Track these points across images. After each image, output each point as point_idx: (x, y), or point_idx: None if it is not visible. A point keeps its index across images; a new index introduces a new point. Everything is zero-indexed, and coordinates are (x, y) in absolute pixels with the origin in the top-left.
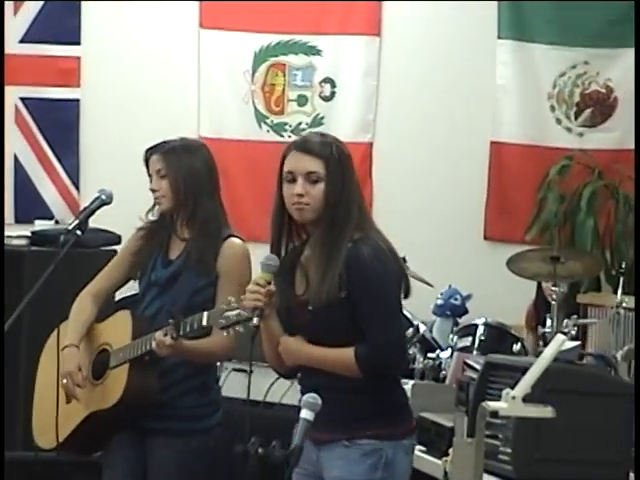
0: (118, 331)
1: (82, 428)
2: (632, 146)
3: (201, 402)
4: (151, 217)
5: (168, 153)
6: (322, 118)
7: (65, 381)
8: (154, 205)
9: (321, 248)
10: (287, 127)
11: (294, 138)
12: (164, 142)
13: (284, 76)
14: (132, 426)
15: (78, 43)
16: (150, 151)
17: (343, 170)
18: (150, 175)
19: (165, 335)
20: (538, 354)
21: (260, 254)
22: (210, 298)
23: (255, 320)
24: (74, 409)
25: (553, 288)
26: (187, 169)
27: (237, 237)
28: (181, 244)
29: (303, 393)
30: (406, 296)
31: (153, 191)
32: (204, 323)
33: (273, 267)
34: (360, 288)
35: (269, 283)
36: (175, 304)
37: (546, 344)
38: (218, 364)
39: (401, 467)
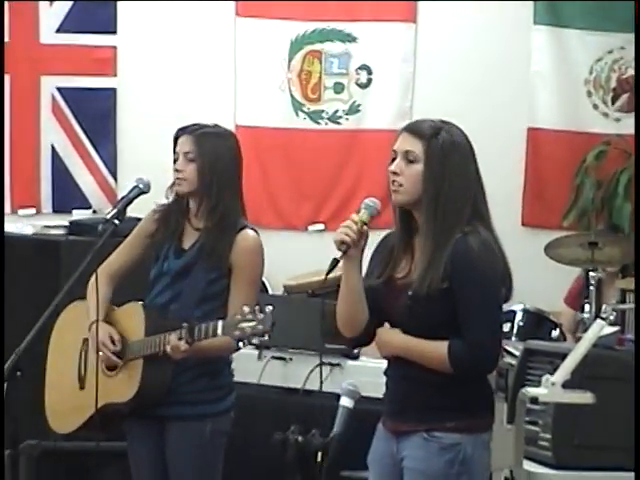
0: (131, 324)
1: (96, 417)
2: None
3: (211, 386)
4: (169, 198)
5: (201, 137)
6: (359, 105)
7: (101, 353)
8: (173, 184)
9: (425, 236)
10: (324, 115)
11: (330, 126)
12: (197, 125)
13: (320, 63)
14: (147, 415)
15: (114, 32)
16: (182, 131)
17: (446, 155)
18: (176, 154)
19: (180, 339)
20: (577, 339)
21: (296, 242)
22: (224, 289)
23: (339, 255)
24: (89, 397)
25: (592, 274)
26: (216, 157)
27: (251, 229)
28: (194, 233)
29: (388, 383)
30: (507, 299)
31: (177, 171)
32: (219, 332)
33: (373, 209)
34: (463, 282)
35: (364, 224)
36: (190, 295)
37: (585, 330)
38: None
39: (480, 463)
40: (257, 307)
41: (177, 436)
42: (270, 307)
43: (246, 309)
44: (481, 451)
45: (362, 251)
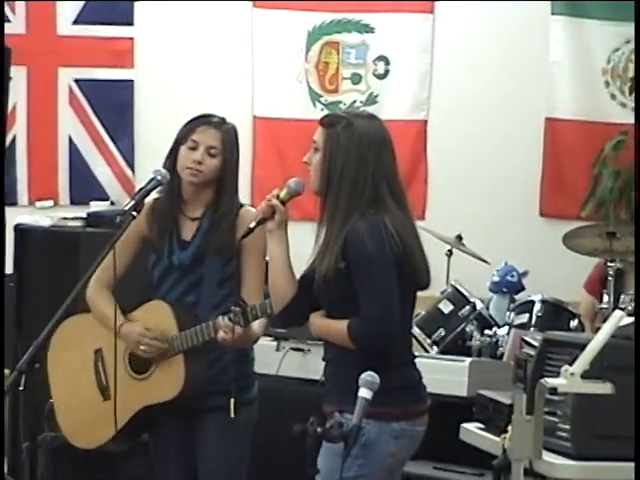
0: (159, 321)
1: (132, 422)
2: None
3: (241, 374)
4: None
5: (226, 133)
6: (376, 96)
7: (143, 347)
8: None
9: (320, 222)
10: (341, 105)
11: None
12: (216, 117)
13: (338, 54)
14: (182, 409)
15: (131, 24)
16: (205, 123)
17: (345, 142)
18: (193, 142)
19: (232, 323)
20: (596, 330)
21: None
22: (235, 268)
23: (252, 224)
24: (119, 405)
25: (611, 264)
26: (234, 153)
27: (248, 206)
28: (192, 224)
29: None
30: (426, 286)
31: (196, 162)
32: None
33: (292, 189)
34: (351, 262)
35: (282, 202)
36: (209, 282)
37: (604, 320)
38: None
39: (382, 449)
40: None
41: (210, 427)
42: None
43: None
44: (387, 439)
45: (283, 227)
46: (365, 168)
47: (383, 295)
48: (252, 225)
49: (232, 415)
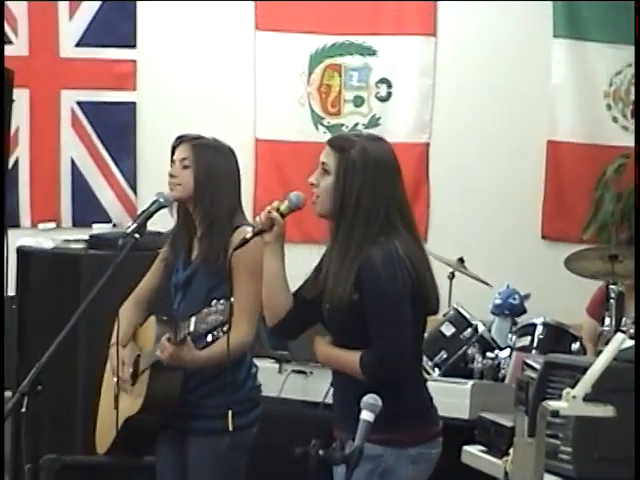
0: (147, 336)
1: (122, 433)
2: None
3: (232, 400)
4: (172, 215)
5: (198, 146)
6: (379, 119)
7: (115, 379)
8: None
9: (331, 247)
10: (344, 128)
11: None
12: (196, 135)
13: (340, 77)
14: (169, 427)
15: (134, 46)
16: (180, 139)
17: (356, 168)
18: (173, 161)
19: (168, 340)
20: (598, 353)
21: (318, 256)
22: (227, 293)
23: (248, 234)
24: (120, 414)
25: (613, 287)
26: (211, 166)
27: (248, 225)
28: (198, 243)
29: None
30: (436, 311)
31: (171, 177)
32: (191, 329)
33: (293, 202)
34: (366, 293)
35: (282, 214)
36: (192, 304)
37: (606, 343)
38: (254, 361)
39: (401, 476)
40: (221, 299)
41: (195, 450)
42: (233, 299)
43: (213, 302)
44: (405, 465)
45: (280, 240)
46: (381, 195)
47: (397, 329)
48: (248, 236)
49: (230, 428)
